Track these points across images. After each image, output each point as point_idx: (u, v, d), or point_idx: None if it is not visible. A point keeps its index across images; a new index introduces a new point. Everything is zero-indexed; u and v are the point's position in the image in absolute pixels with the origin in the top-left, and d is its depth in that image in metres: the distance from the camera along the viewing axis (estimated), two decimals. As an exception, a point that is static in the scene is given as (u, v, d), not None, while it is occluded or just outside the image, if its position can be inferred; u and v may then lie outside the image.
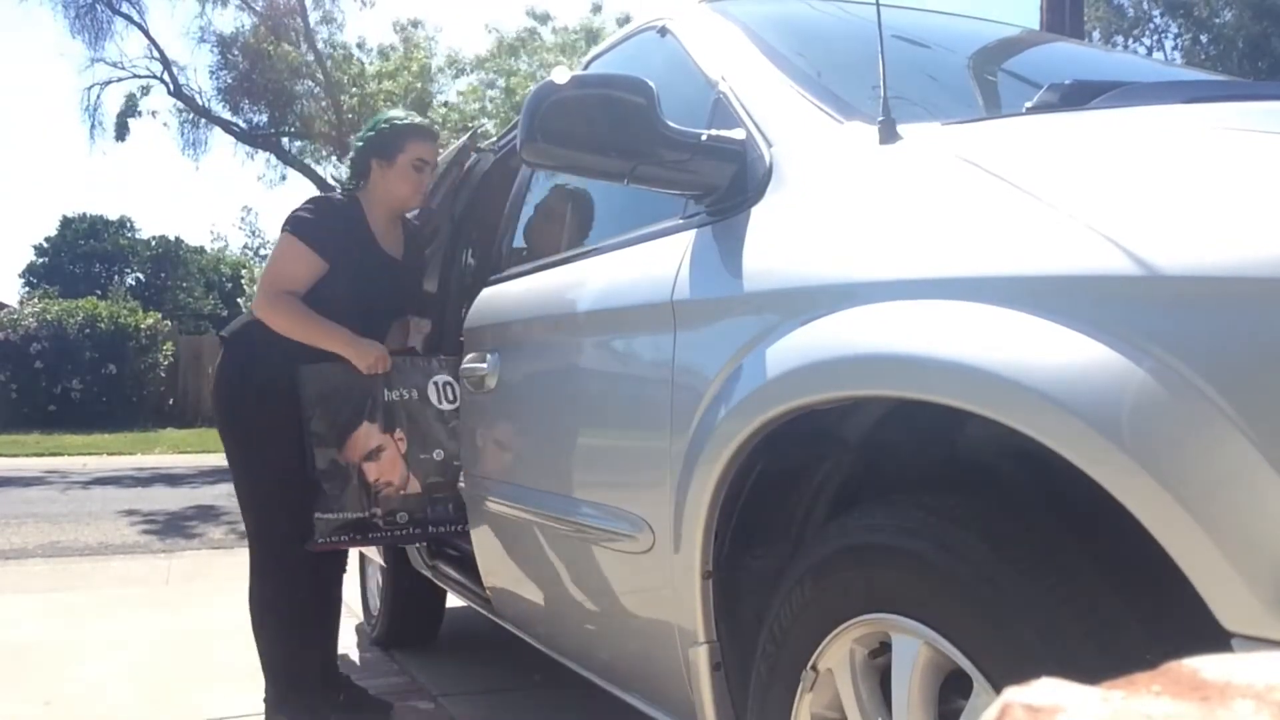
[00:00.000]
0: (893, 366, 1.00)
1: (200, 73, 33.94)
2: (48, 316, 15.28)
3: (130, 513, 6.78)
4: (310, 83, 15.41)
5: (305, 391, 2.26)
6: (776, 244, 1.29)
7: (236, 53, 15.41)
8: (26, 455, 11.42)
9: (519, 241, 2.40)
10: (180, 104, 15.78)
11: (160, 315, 17.84)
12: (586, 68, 2.19)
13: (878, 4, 1.36)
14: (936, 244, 1.02)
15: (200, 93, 15.99)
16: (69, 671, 2.94)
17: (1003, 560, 0.92)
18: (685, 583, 1.36)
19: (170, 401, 16.45)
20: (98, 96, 16.16)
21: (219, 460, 2.92)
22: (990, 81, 1.92)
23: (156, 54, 15.35)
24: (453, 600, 3.00)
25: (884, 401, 1.10)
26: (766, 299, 1.25)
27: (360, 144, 2.46)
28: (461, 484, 2.36)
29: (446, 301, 2.94)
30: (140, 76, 15.65)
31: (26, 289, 31.83)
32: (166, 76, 15.39)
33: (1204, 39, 21.06)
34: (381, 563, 3.17)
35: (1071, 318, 0.83)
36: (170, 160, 73.82)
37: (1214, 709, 0.31)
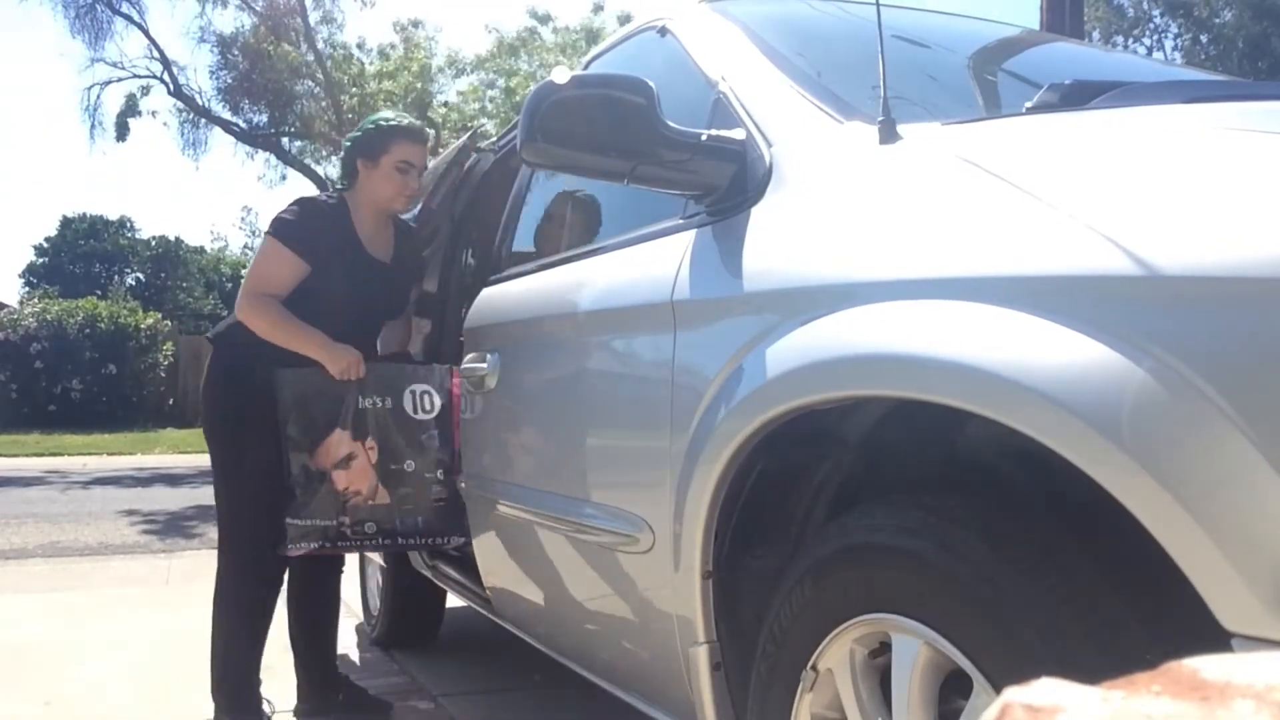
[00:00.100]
0: (893, 366, 1.00)
1: (200, 73, 33.99)
2: (48, 316, 15.29)
3: (130, 513, 6.78)
4: (310, 83, 15.44)
5: (283, 395, 2.25)
6: (776, 244, 1.29)
7: (236, 53, 15.44)
8: (26, 455, 11.42)
9: (519, 241, 2.40)
10: (180, 104, 15.82)
11: (160, 315, 17.84)
12: (586, 68, 2.19)
13: (878, 4, 1.36)
14: (936, 244, 1.02)
15: (200, 93, 16.04)
16: (69, 671, 2.94)
17: (1003, 560, 0.92)
18: (685, 583, 1.36)
19: (170, 401, 16.45)
20: (98, 96, 16.22)
21: (219, 460, 2.92)
22: (990, 81, 1.92)
23: (156, 54, 15.39)
24: (453, 600, 3.00)
25: (884, 401, 1.10)
26: (766, 299, 1.25)
27: (348, 144, 2.46)
28: (441, 496, 2.33)
29: (446, 301, 2.94)
30: (140, 76, 15.70)
31: (26, 289, 31.81)
32: (166, 76, 15.42)
33: (1204, 39, 21.07)
34: (381, 563, 3.17)
35: (1071, 318, 0.83)
36: (170, 160, 73.92)
37: (1214, 709, 0.31)
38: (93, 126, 16.08)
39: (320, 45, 15.29)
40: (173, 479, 9.07)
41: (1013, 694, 0.33)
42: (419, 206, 2.98)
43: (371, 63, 16.05)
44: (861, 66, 1.45)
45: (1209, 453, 0.73)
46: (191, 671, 2.90)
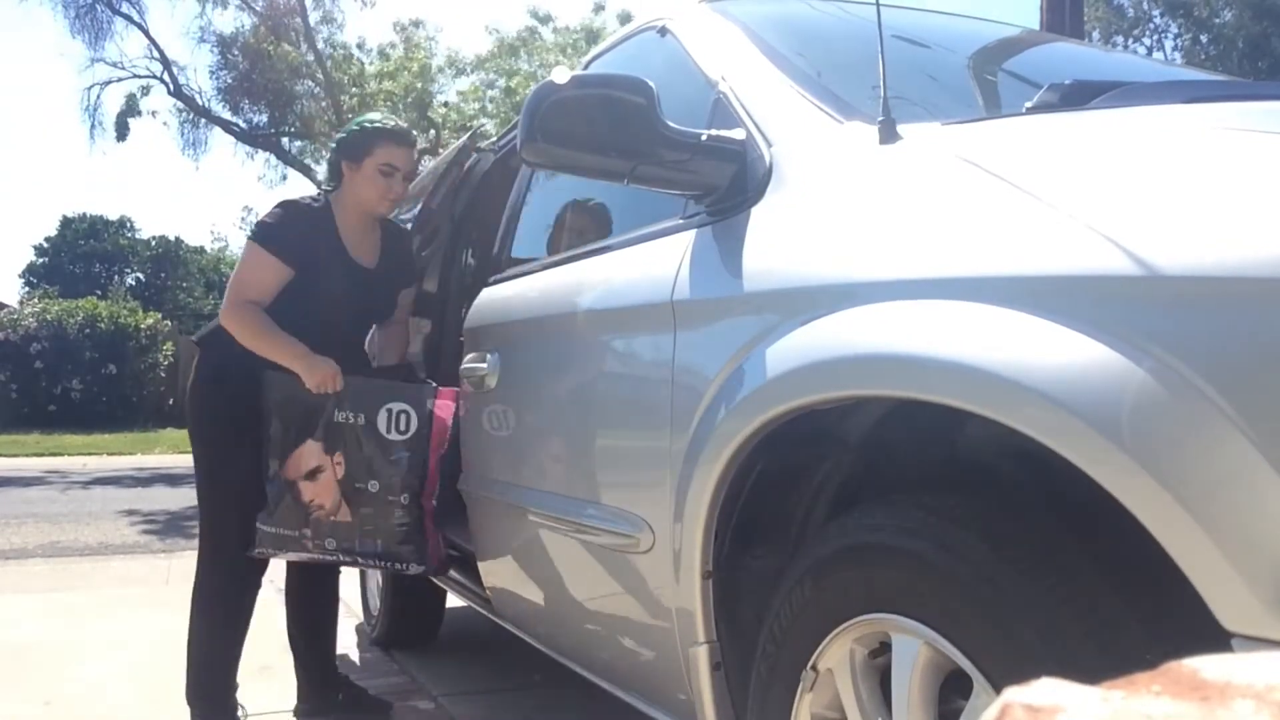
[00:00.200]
0: (893, 366, 1.00)
1: (200, 73, 34.00)
2: (48, 316, 15.29)
3: (130, 513, 6.78)
4: (310, 83, 15.44)
5: (268, 397, 2.24)
6: (776, 244, 1.29)
7: (236, 53, 15.44)
8: (26, 455, 11.43)
9: (519, 241, 2.40)
10: (180, 104, 15.81)
11: (160, 315, 17.86)
12: (586, 68, 2.19)
13: (878, 4, 1.36)
14: (936, 244, 1.02)
15: (200, 93, 16.04)
16: (69, 671, 2.94)
17: (1003, 560, 0.92)
18: (685, 583, 1.36)
19: (170, 401, 16.44)
20: (98, 96, 16.21)
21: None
22: (990, 81, 1.92)
23: (156, 54, 15.39)
24: (453, 600, 3.00)
25: (884, 401, 1.10)
26: (766, 299, 1.25)
27: (334, 145, 2.44)
28: (404, 521, 2.29)
29: (446, 301, 2.94)
30: (140, 76, 15.69)
31: (26, 289, 31.85)
32: (166, 76, 15.42)
33: (1204, 39, 21.06)
34: (381, 563, 3.17)
35: (1071, 318, 0.83)
36: (170, 160, 74.06)
37: (1214, 709, 0.31)
38: (93, 126, 16.10)
39: (320, 45, 15.29)
40: (173, 479, 9.07)
41: (1013, 694, 0.33)
42: (419, 206, 2.97)
43: (371, 63, 16.05)
44: (861, 66, 1.45)
45: (1209, 453, 0.73)
46: (191, 671, 2.91)
